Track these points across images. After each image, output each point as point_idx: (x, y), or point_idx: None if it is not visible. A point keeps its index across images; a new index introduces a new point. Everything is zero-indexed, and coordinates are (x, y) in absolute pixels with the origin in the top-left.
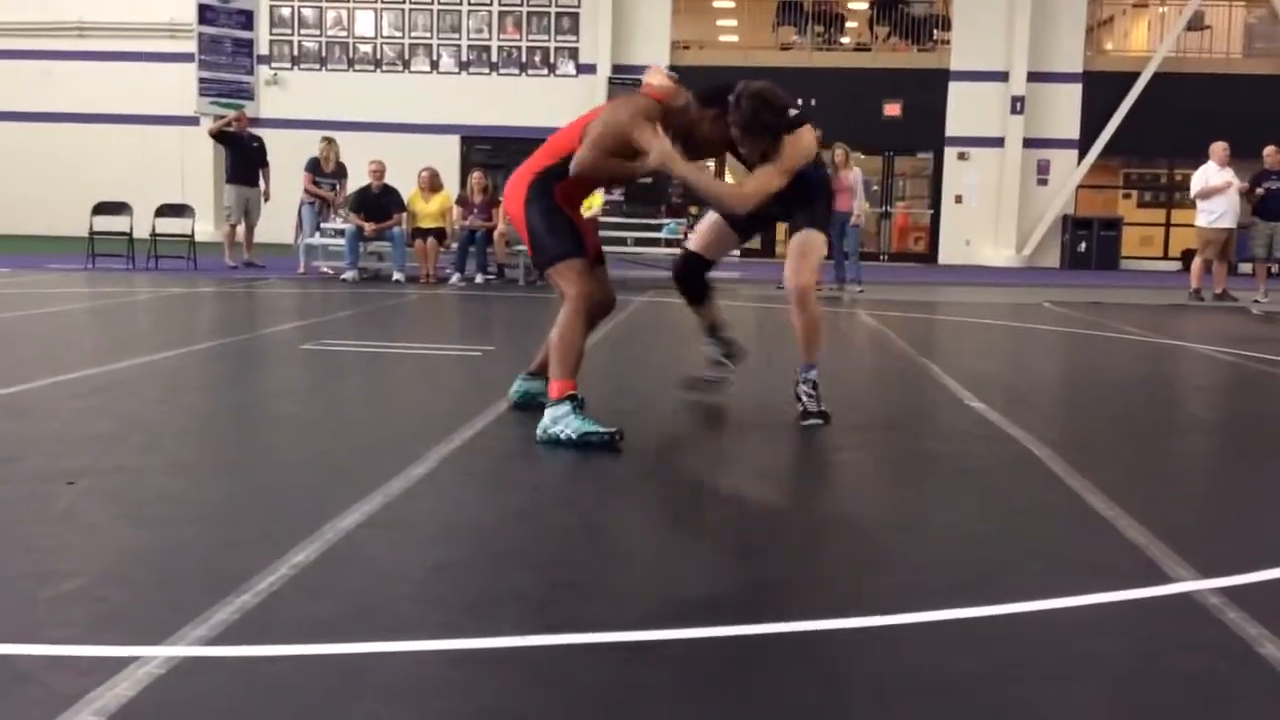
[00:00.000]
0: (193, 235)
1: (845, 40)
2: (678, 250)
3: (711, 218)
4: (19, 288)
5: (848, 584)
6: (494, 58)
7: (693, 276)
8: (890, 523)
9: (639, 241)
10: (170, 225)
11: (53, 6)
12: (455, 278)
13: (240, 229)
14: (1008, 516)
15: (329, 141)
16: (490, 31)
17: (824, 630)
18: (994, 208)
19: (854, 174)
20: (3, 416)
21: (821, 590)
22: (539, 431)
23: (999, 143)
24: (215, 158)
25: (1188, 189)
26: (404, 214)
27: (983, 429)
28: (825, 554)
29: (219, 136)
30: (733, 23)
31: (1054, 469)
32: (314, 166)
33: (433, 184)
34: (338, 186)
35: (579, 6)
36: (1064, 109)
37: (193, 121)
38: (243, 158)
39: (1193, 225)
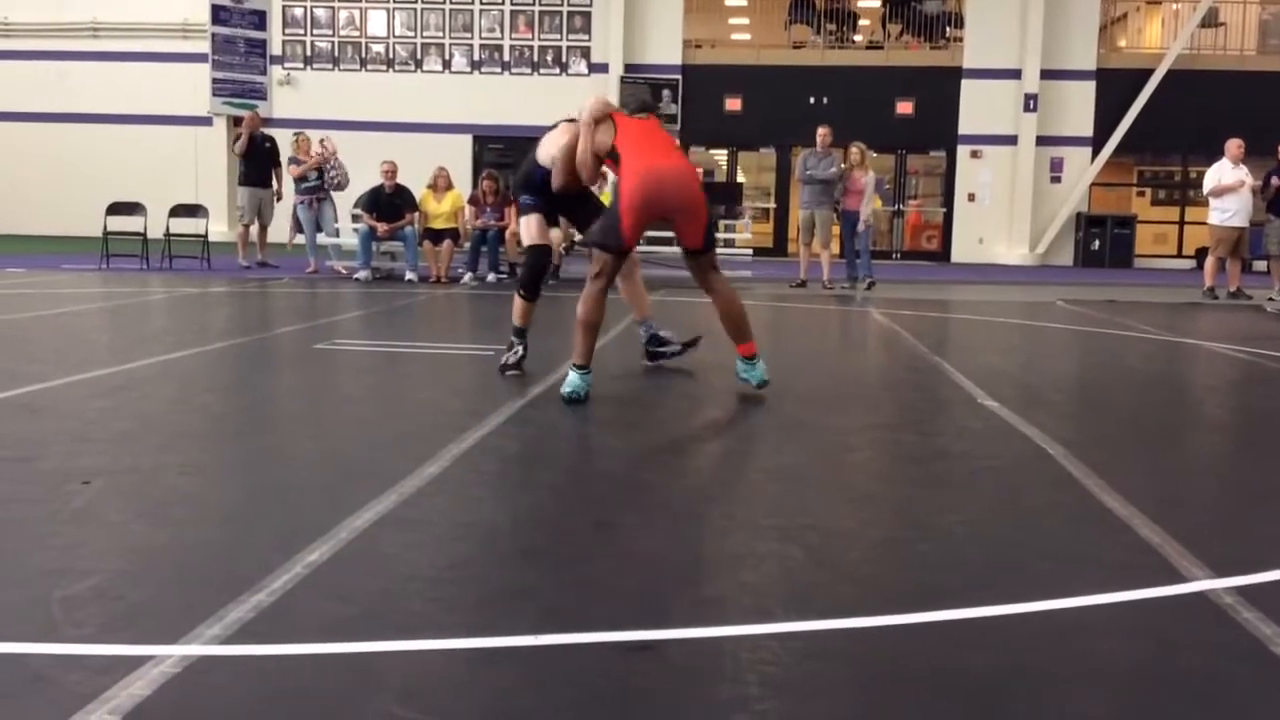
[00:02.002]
0: (206, 235)
1: (858, 38)
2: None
3: (531, 217)
4: (35, 288)
5: (859, 583)
6: (506, 57)
7: (545, 269)
8: (903, 521)
9: (652, 240)
10: (184, 225)
11: (67, 7)
12: (467, 277)
13: (253, 229)
14: (1021, 515)
15: (302, 136)
16: (502, 31)
17: (835, 629)
18: (1007, 206)
19: (868, 176)
20: (20, 416)
21: (832, 589)
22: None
23: (1012, 140)
24: (229, 158)
25: (1201, 186)
26: (416, 214)
27: (996, 427)
28: (837, 553)
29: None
30: (745, 21)
31: (1068, 467)
32: (294, 162)
33: (445, 184)
34: (323, 174)
35: (591, 6)
36: (1077, 106)
37: (206, 121)
38: (255, 158)
39: (1206, 223)
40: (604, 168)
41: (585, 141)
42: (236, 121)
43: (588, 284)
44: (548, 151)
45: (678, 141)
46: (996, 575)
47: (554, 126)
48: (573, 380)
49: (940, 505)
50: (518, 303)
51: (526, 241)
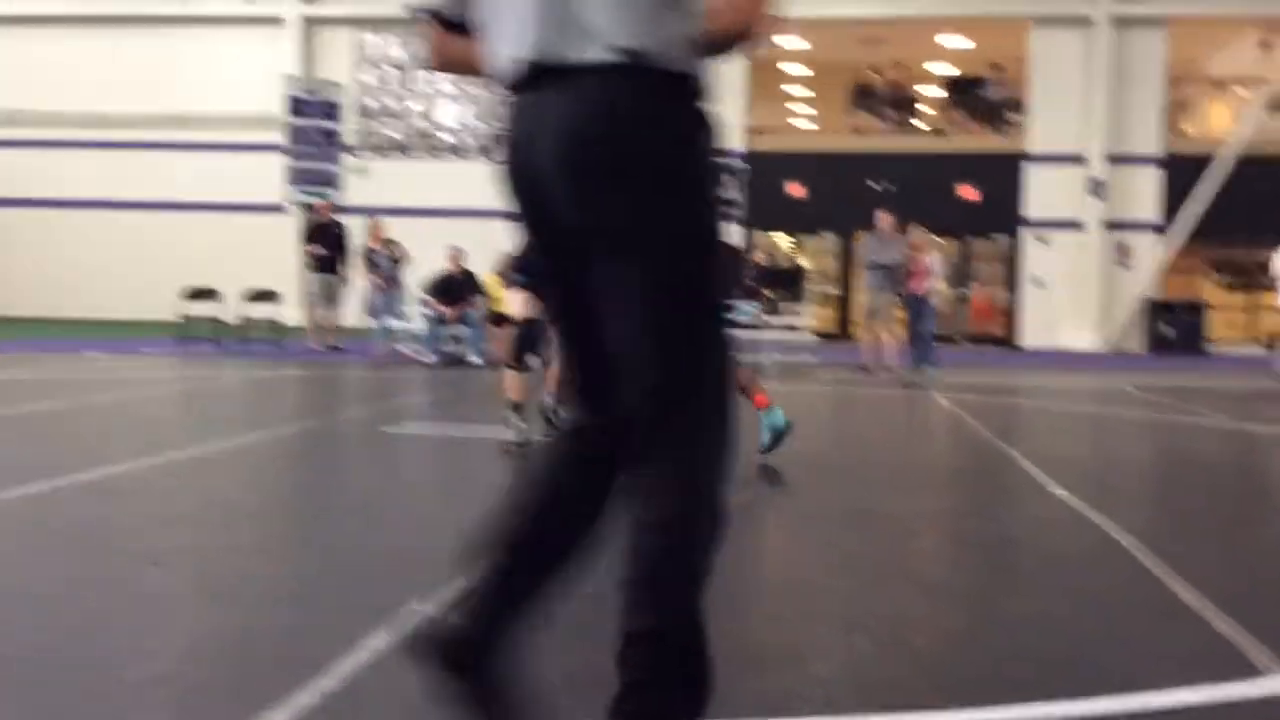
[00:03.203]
0: (279, 319)
1: (919, 124)
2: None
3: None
4: (114, 371)
5: (928, 674)
6: None
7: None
8: (971, 611)
9: None
10: (258, 310)
11: (152, 100)
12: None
13: (324, 313)
14: (1090, 605)
15: (374, 221)
16: None
17: None
18: (1074, 291)
19: (932, 257)
20: (93, 498)
21: (901, 681)
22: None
23: (1077, 225)
24: (302, 244)
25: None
26: (482, 298)
27: (1065, 516)
28: (905, 644)
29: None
30: (807, 109)
31: (1139, 557)
32: (365, 251)
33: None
34: (393, 260)
35: None
36: (1144, 191)
37: (281, 209)
38: (327, 245)
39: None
40: None
41: None
42: (309, 209)
43: None
44: None
45: None
46: (1066, 668)
47: None
48: (774, 417)
49: (1009, 595)
50: (509, 376)
51: (520, 312)
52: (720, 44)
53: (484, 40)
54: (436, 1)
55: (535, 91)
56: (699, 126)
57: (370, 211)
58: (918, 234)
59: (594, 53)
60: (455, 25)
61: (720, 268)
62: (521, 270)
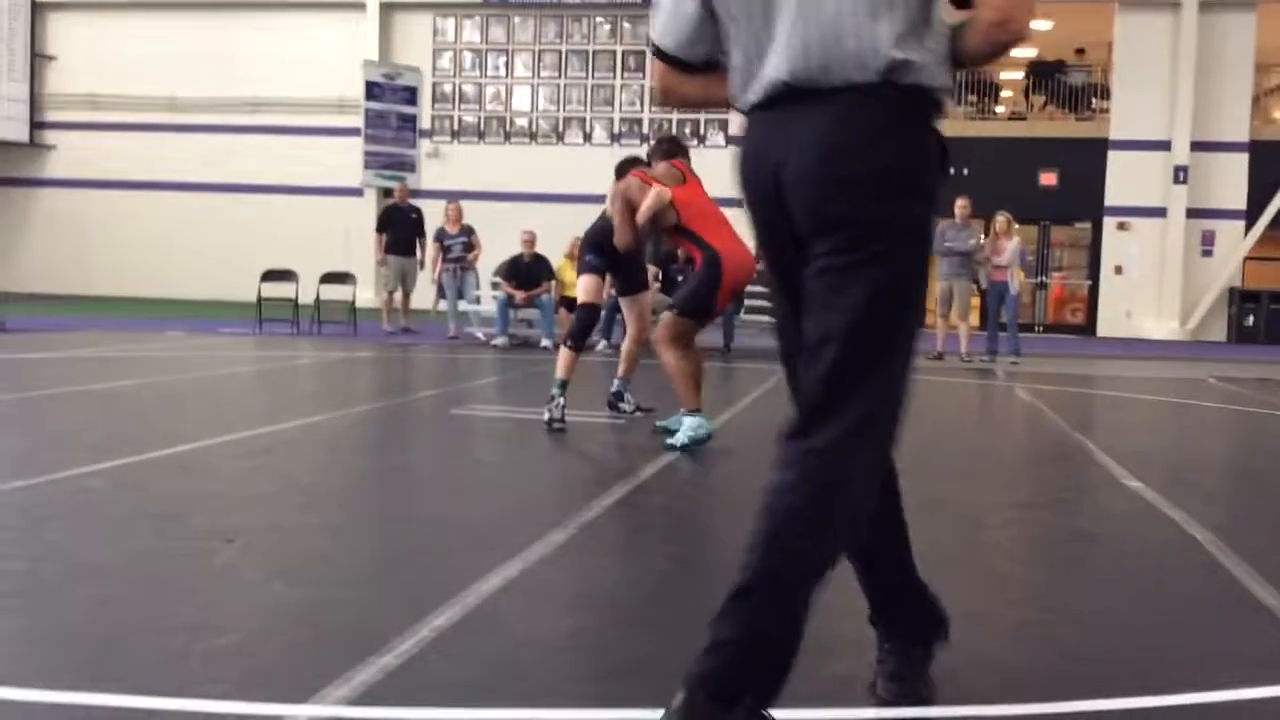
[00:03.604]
0: (354, 301)
1: (1000, 109)
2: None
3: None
4: (193, 350)
5: (995, 668)
6: (645, 129)
7: (593, 325)
8: (1041, 605)
9: (750, 310)
10: (334, 292)
11: (231, 85)
12: (601, 344)
13: (397, 296)
14: (1165, 602)
15: (452, 205)
16: (642, 104)
17: (967, 716)
18: (1156, 279)
19: (1012, 243)
20: (173, 474)
21: (966, 673)
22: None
23: (1161, 213)
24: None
25: None
26: (553, 282)
27: (1140, 510)
28: (972, 636)
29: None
30: None
31: (1215, 554)
32: (440, 234)
33: None
34: (468, 243)
35: None
36: (1229, 179)
37: (357, 193)
38: (401, 228)
39: None
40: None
41: (643, 218)
42: (387, 193)
43: (666, 348)
44: (610, 210)
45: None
46: (1136, 665)
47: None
48: (692, 423)
49: (1080, 590)
50: (564, 354)
51: (581, 299)
52: (985, 56)
53: (731, 65)
54: (672, 45)
55: (790, 109)
56: (937, 140)
57: (446, 195)
58: (1001, 220)
59: (849, 73)
60: (688, 65)
61: (921, 283)
62: (593, 253)
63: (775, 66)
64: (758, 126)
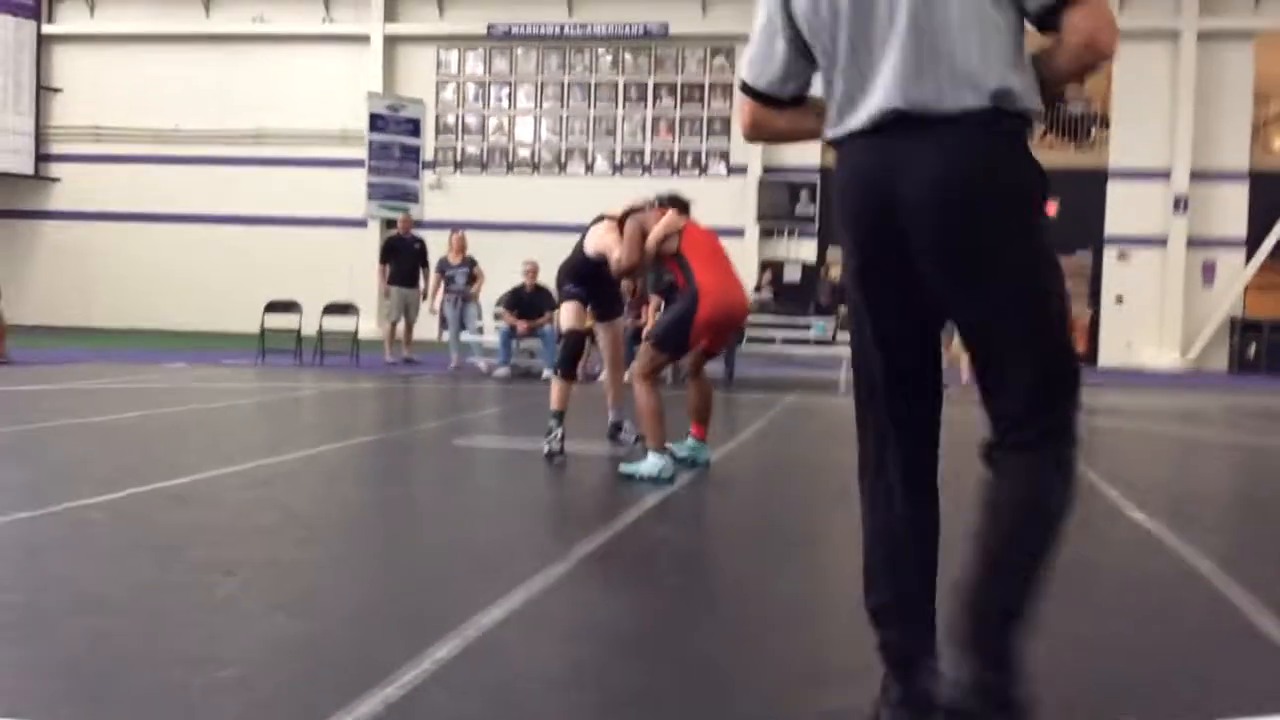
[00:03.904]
0: (356, 333)
1: None
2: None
3: (571, 304)
4: (195, 382)
5: None
6: (647, 160)
7: (580, 351)
8: (1041, 632)
9: (786, 341)
10: (336, 323)
11: (235, 116)
12: (603, 375)
13: (400, 326)
14: (1169, 632)
15: (456, 235)
16: (644, 136)
17: None
18: (1157, 309)
19: None
20: (173, 506)
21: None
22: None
23: (1161, 242)
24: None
25: None
26: (555, 313)
27: (1143, 540)
28: None
29: (390, 250)
30: None
31: (1219, 585)
32: (442, 264)
33: None
34: (471, 274)
35: (730, 111)
36: (1230, 208)
37: (360, 223)
38: (406, 260)
39: None
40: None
41: (655, 241)
42: (390, 224)
43: (639, 382)
44: (595, 246)
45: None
46: (1139, 694)
47: (596, 221)
48: (655, 462)
49: (1083, 618)
50: (556, 385)
51: (565, 326)
52: (1072, 77)
53: (829, 96)
54: (765, 85)
55: (902, 135)
56: (1035, 159)
57: (449, 226)
58: None
59: (964, 99)
60: (778, 102)
61: (1060, 278)
62: (571, 281)
63: (885, 94)
64: (864, 153)
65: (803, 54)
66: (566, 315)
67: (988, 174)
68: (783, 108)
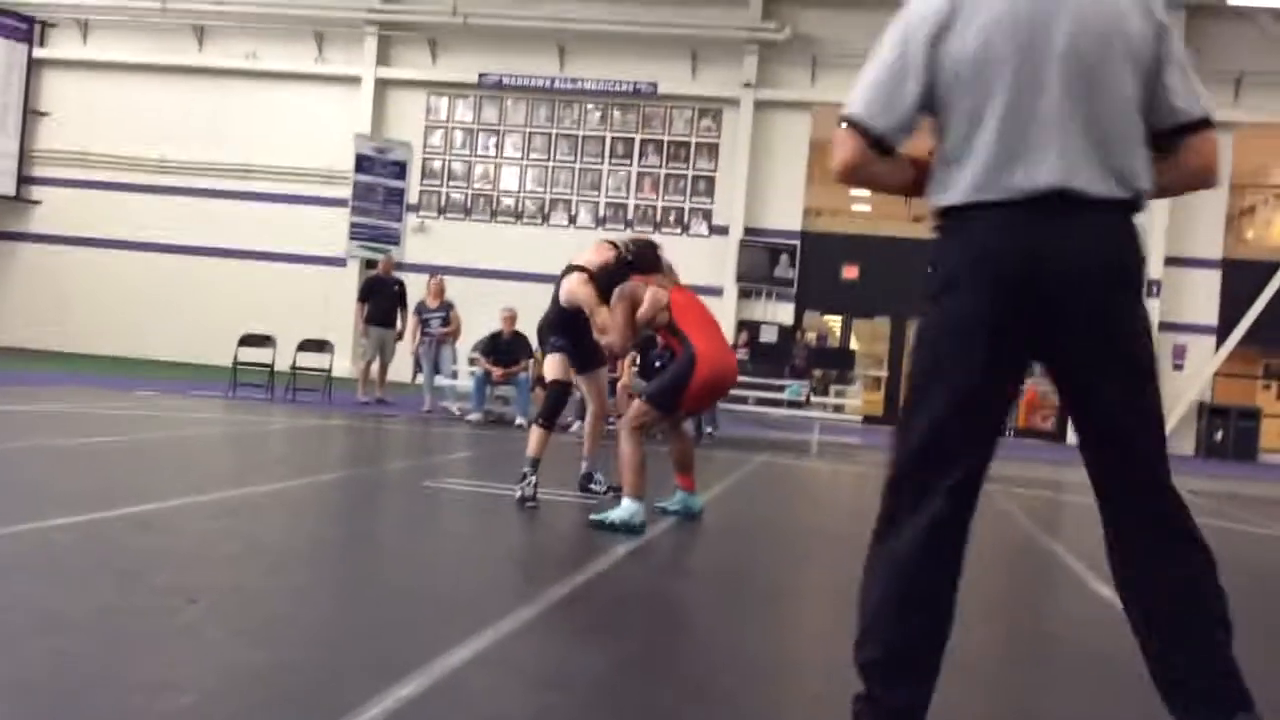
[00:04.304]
0: (330, 370)
1: None
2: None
3: (556, 356)
4: (163, 410)
5: None
6: (630, 215)
7: (564, 403)
8: (1006, 701)
9: (760, 401)
10: (310, 360)
11: (222, 149)
12: (576, 425)
13: (374, 366)
14: (1131, 704)
15: (435, 279)
16: (628, 191)
17: None
18: None
19: None
20: (137, 532)
21: None
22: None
23: None
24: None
25: None
26: (531, 361)
27: (1107, 614)
28: None
29: (369, 290)
30: (865, 192)
31: None
32: (420, 307)
33: None
34: (448, 318)
35: (715, 171)
36: (1201, 294)
37: (340, 263)
38: (385, 300)
39: None
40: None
41: (644, 321)
42: (370, 264)
43: (628, 434)
44: (567, 297)
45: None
46: None
47: (567, 272)
48: (629, 507)
49: (1047, 689)
50: (535, 432)
51: (550, 377)
52: (1178, 193)
53: (960, 160)
54: (883, 125)
55: (1053, 214)
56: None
57: (430, 269)
58: None
59: (1116, 189)
60: (887, 148)
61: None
62: (557, 334)
63: (1052, 172)
64: (1014, 224)
65: (925, 105)
66: (551, 367)
67: (1133, 256)
68: (886, 154)
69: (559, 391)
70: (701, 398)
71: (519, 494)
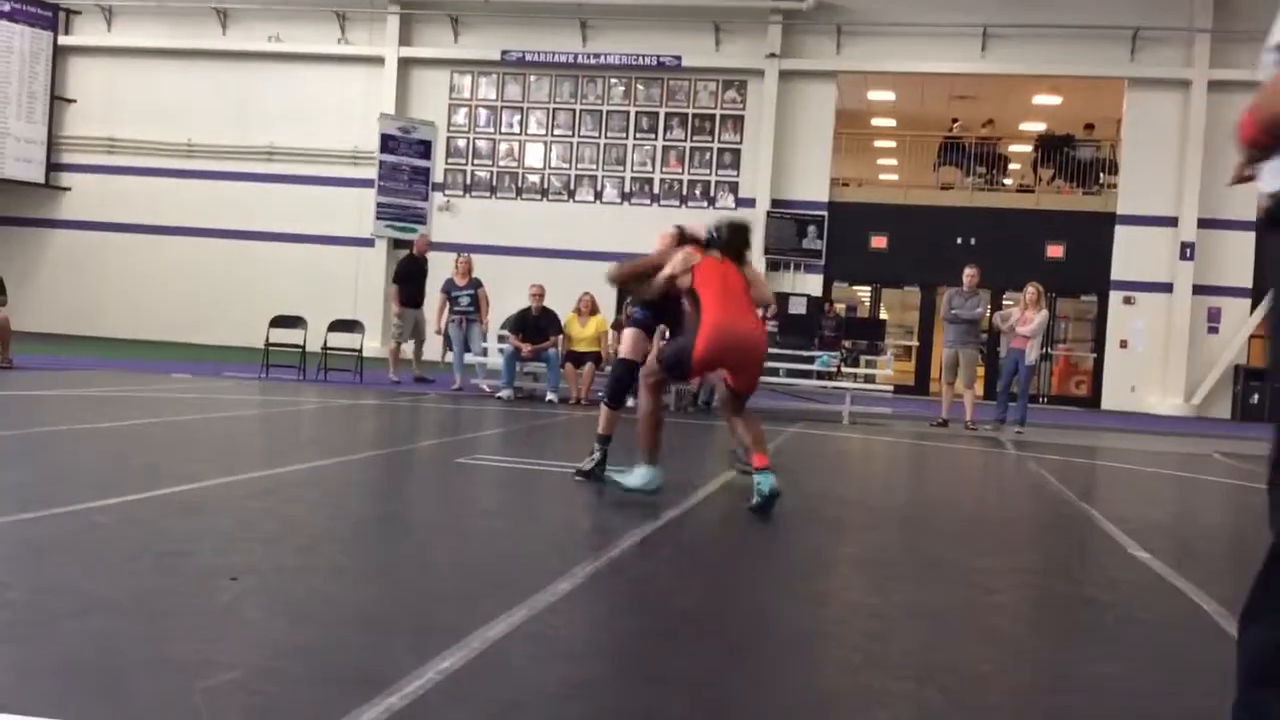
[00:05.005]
0: (360, 350)
1: (1008, 181)
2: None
3: (632, 330)
4: (198, 393)
5: None
6: (656, 189)
7: (630, 382)
8: (1047, 670)
9: (791, 373)
10: (341, 340)
11: (248, 132)
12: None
13: (407, 347)
14: (1173, 672)
15: (462, 258)
16: (654, 165)
17: None
18: (1161, 354)
19: (1041, 315)
20: (176, 513)
21: None
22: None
23: (1167, 288)
24: (388, 277)
25: None
26: (560, 337)
27: (1147, 580)
28: (975, 698)
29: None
30: (893, 162)
31: (1224, 626)
32: (448, 285)
33: (590, 309)
34: (476, 296)
35: (741, 143)
36: (1237, 256)
37: (368, 243)
38: (418, 280)
39: None
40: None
41: (664, 277)
42: (398, 244)
43: (644, 390)
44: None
45: (759, 276)
46: None
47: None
48: (643, 474)
49: (1086, 656)
50: (605, 412)
51: (622, 353)
52: None
53: None
54: None
55: None
56: None
57: (457, 248)
58: (1031, 291)
59: None
60: None
61: None
62: (639, 307)
63: None
64: None
65: None
66: (625, 341)
67: None
68: None
69: (625, 370)
70: (710, 364)
71: (583, 468)
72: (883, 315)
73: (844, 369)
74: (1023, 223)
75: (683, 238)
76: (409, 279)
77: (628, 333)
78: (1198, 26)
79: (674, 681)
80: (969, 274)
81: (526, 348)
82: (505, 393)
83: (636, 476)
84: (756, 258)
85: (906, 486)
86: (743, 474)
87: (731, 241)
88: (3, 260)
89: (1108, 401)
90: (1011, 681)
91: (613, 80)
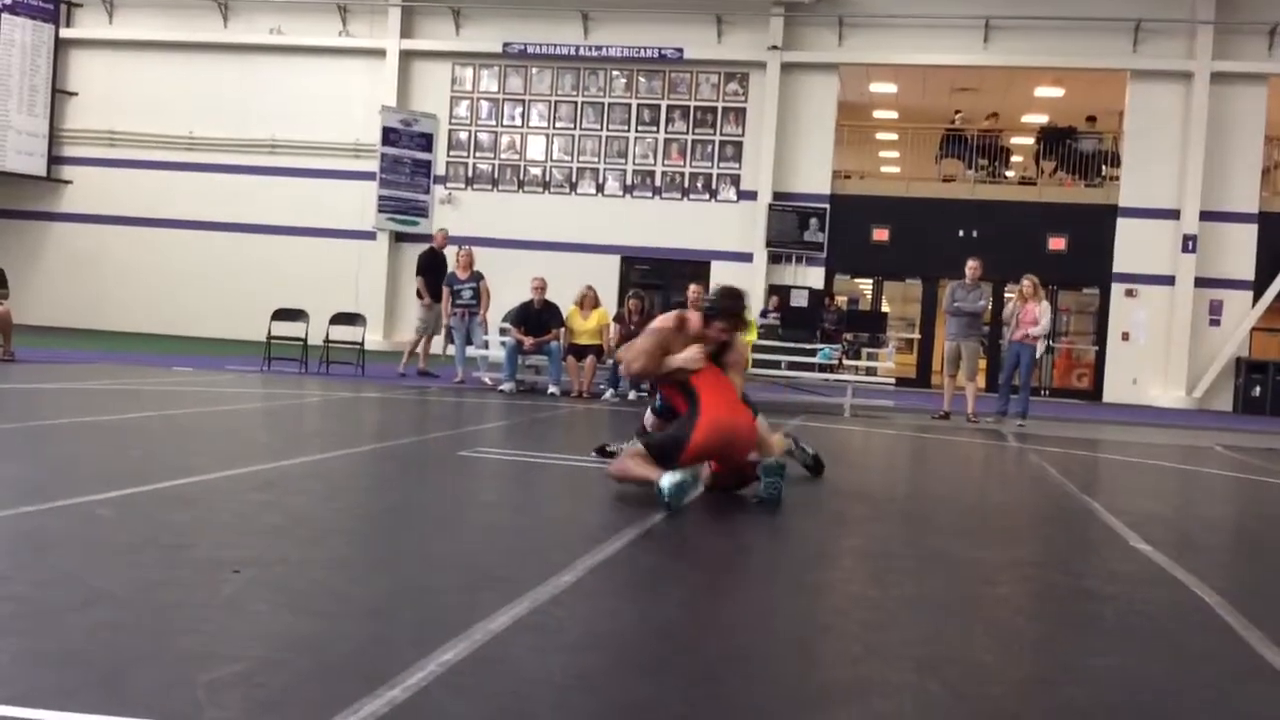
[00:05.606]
0: (362, 343)
1: (1010, 174)
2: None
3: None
4: (200, 386)
5: None
6: (657, 182)
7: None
8: (1048, 661)
9: (793, 366)
10: (343, 333)
11: (249, 125)
12: (609, 393)
13: (425, 341)
14: (1174, 664)
15: (463, 250)
16: (655, 158)
17: None
18: (1163, 347)
19: (1042, 306)
20: (178, 505)
21: None
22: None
23: (1169, 280)
24: (389, 271)
25: None
26: (562, 329)
27: (1148, 571)
28: (977, 689)
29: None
30: (895, 154)
31: (1225, 617)
32: (450, 279)
33: (592, 302)
34: (477, 290)
35: (743, 136)
36: (1238, 249)
37: (369, 235)
38: (440, 274)
39: None
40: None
41: (676, 366)
42: (400, 237)
43: (630, 460)
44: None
45: (742, 357)
46: None
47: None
48: (673, 478)
49: (1088, 648)
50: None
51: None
52: None
53: None
54: None
55: None
56: None
57: (458, 241)
58: (1027, 284)
59: None
60: None
61: None
62: (661, 403)
63: None
64: None
65: None
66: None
67: None
68: None
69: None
70: (702, 458)
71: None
72: (884, 308)
73: (846, 362)
74: (1025, 215)
75: (683, 321)
76: (430, 273)
77: (649, 419)
78: (1200, 18)
79: (675, 673)
80: (971, 267)
81: (528, 341)
82: (507, 386)
83: (667, 479)
84: (758, 250)
85: (908, 479)
86: (806, 468)
87: (729, 309)
88: (4, 253)
89: (1109, 394)
90: (1012, 673)
91: (614, 72)
